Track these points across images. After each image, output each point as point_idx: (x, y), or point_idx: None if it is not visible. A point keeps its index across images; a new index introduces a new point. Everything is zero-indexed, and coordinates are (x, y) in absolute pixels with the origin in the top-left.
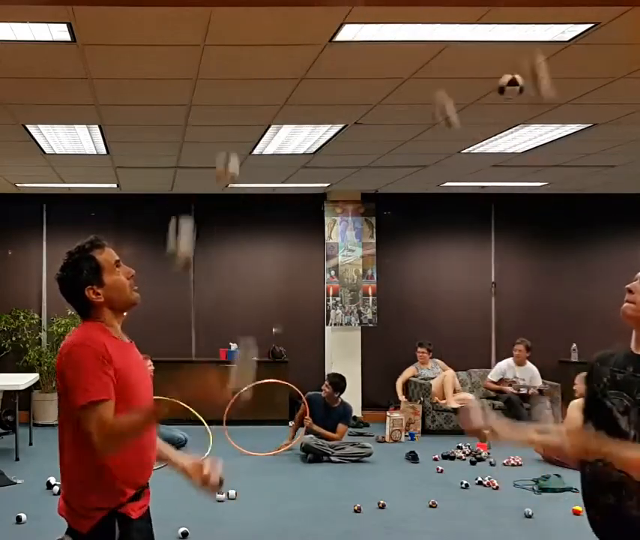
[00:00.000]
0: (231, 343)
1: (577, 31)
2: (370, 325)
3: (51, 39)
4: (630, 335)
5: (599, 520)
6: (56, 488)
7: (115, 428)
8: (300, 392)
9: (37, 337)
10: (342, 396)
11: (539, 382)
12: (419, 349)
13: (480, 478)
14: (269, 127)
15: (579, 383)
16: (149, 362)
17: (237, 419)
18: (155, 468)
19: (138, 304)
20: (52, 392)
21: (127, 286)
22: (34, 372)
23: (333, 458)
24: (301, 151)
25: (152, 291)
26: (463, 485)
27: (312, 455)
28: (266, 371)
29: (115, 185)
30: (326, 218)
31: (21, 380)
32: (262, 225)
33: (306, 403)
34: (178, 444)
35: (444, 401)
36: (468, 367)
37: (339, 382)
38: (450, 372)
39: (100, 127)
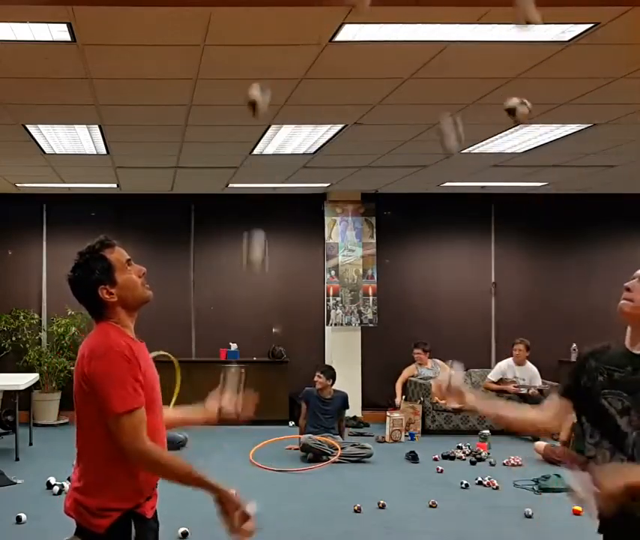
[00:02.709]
0: (231, 343)
1: (577, 31)
2: (370, 325)
3: (51, 39)
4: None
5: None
6: (56, 488)
7: (153, 457)
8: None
9: (37, 337)
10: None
11: (539, 382)
12: (415, 351)
13: (479, 478)
14: (269, 127)
15: None
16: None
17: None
18: None
19: (150, 301)
20: (52, 392)
21: (139, 283)
22: (34, 372)
23: (332, 458)
24: (301, 151)
25: (152, 291)
26: (463, 485)
27: (312, 455)
28: (266, 371)
29: (115, 185)
30: (326, 218)
31: (21, 380)
32: (262, 225)
33: (304, 403)
34: (178, 444)
35: (444, 401)
36: (468, 367)
37: (329, 370)
38: None
39: (100, 127)
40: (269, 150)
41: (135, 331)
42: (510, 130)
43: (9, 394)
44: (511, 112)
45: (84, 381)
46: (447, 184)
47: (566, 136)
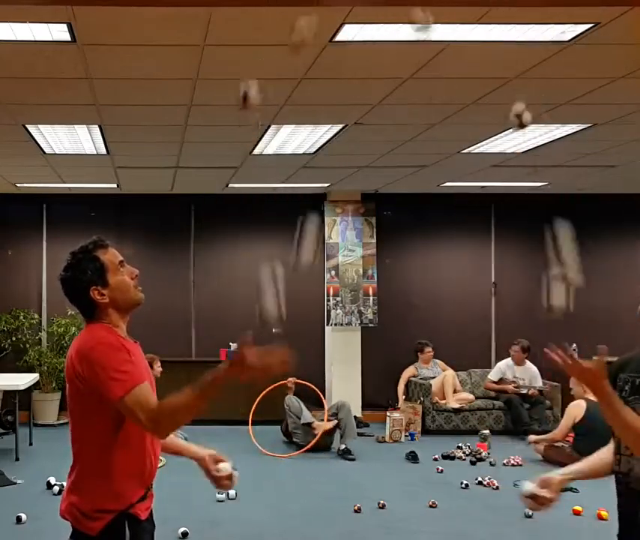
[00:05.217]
0: (231, 343)
1: (577, 31)
2: (370, 325)
3: (51, 39)
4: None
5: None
6: (56, 488)
7: (164, 409)
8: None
9: (37, 337)
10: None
11: (539, 382)
12: (426, 349)
13: (479, 478)
14: (269, 127)
15: (575, 386)
16: (158, 364)
17: (238, 419)
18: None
19: (142, 304)
20: (52, 392)
21: (131, 286)
22: (34, 372)
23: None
24: (301, 151)
25: (152, 291)
26: (463, 485)
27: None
28: None
29: (115, 185)
30: (326, 218)
31: (21, 380)
32: (262, 225)
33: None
34: None
35: (444, 401)
36: (468, 367)
37: None
38: (450, 372)
39: (100, 127)
40: (269, 150)
41: (134, 331)
42: (510, 130)
43: (9, 394)
44: (519, 118)
45: (79, 379)
46: (447, 184)
47: (566, 136)
